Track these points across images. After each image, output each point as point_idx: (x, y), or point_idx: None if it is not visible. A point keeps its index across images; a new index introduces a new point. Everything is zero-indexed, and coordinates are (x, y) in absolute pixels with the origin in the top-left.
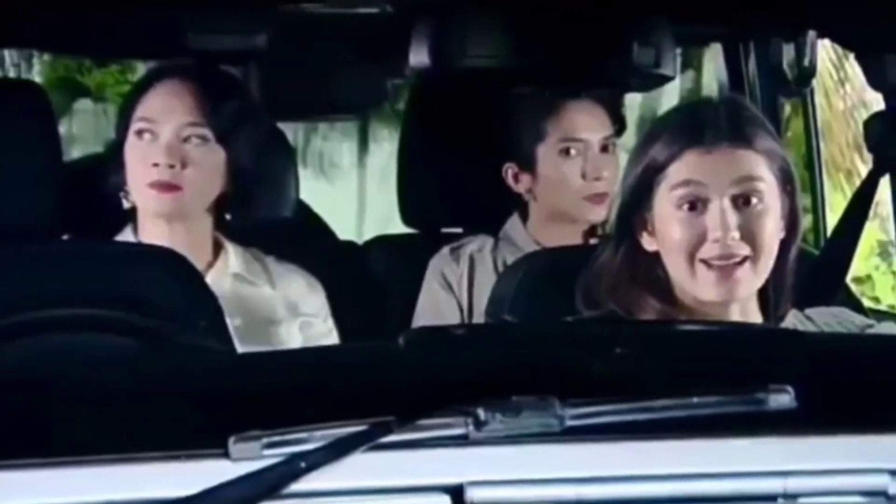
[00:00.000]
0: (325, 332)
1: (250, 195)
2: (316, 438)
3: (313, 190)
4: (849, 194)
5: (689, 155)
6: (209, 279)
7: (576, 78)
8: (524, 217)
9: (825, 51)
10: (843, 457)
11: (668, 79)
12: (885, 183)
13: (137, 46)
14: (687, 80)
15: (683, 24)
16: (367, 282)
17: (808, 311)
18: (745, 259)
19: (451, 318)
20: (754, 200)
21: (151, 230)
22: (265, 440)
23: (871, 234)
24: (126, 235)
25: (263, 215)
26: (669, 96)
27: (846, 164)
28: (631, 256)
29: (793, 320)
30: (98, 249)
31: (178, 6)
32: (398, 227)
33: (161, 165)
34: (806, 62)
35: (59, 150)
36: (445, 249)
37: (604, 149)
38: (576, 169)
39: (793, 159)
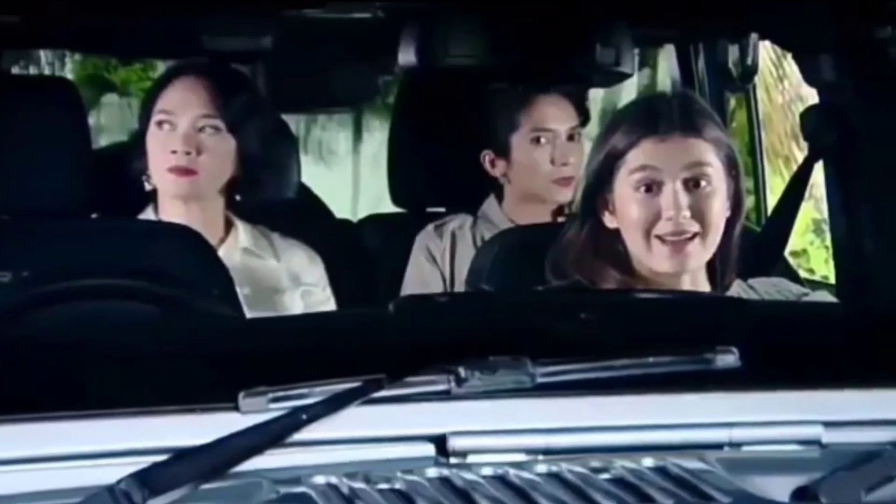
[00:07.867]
0: (324, 300)
1: (257, 178)
2: (316, 394)
3: (313, 174)
4: (787, 178)
5: (646, 143)
6: (221, 253)
7: (545, 75)
8: (500, 198)
9: (766, 51)
10: (781, 410)
11: (626, 76)
12: (818, 168)
13: (158, 47)
14: (644, 77)
15: (640, 28)
16: (360, 255)
17: (751, 281)
18: (695, 235)
19: (435, 287)
20: (703, 183)
21: (170, 210)
22: (271, 395)
23: (806, 213)
24: (147, 214)
25: (269, 196)
26: (628, 91)
27: (785, 151)
28: (594, 233)
29: (737, 289)
30: (123, 227)
31: (194, 11)
32: (388, 206)
33: (179, 152)
34: (749, 61)
35: (88, 139)
36: (430, 226)
37: (570, 137)
38: (545, 155)
39: (737, 147)
